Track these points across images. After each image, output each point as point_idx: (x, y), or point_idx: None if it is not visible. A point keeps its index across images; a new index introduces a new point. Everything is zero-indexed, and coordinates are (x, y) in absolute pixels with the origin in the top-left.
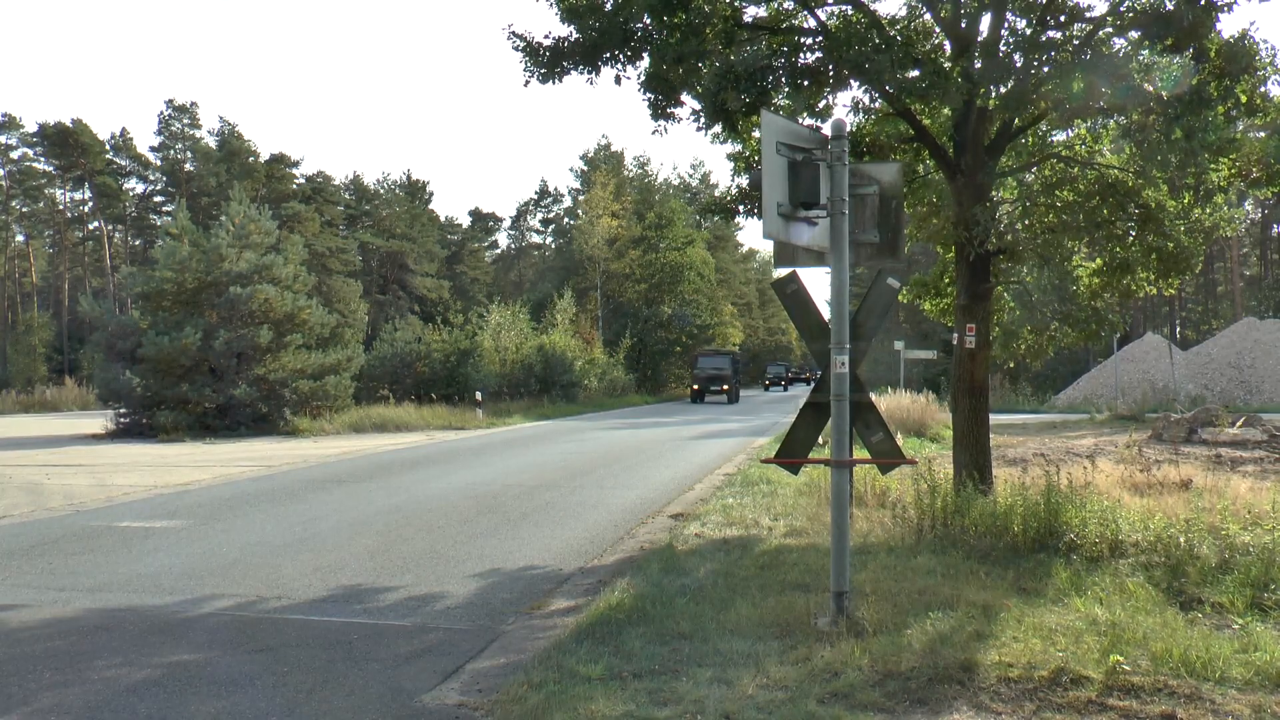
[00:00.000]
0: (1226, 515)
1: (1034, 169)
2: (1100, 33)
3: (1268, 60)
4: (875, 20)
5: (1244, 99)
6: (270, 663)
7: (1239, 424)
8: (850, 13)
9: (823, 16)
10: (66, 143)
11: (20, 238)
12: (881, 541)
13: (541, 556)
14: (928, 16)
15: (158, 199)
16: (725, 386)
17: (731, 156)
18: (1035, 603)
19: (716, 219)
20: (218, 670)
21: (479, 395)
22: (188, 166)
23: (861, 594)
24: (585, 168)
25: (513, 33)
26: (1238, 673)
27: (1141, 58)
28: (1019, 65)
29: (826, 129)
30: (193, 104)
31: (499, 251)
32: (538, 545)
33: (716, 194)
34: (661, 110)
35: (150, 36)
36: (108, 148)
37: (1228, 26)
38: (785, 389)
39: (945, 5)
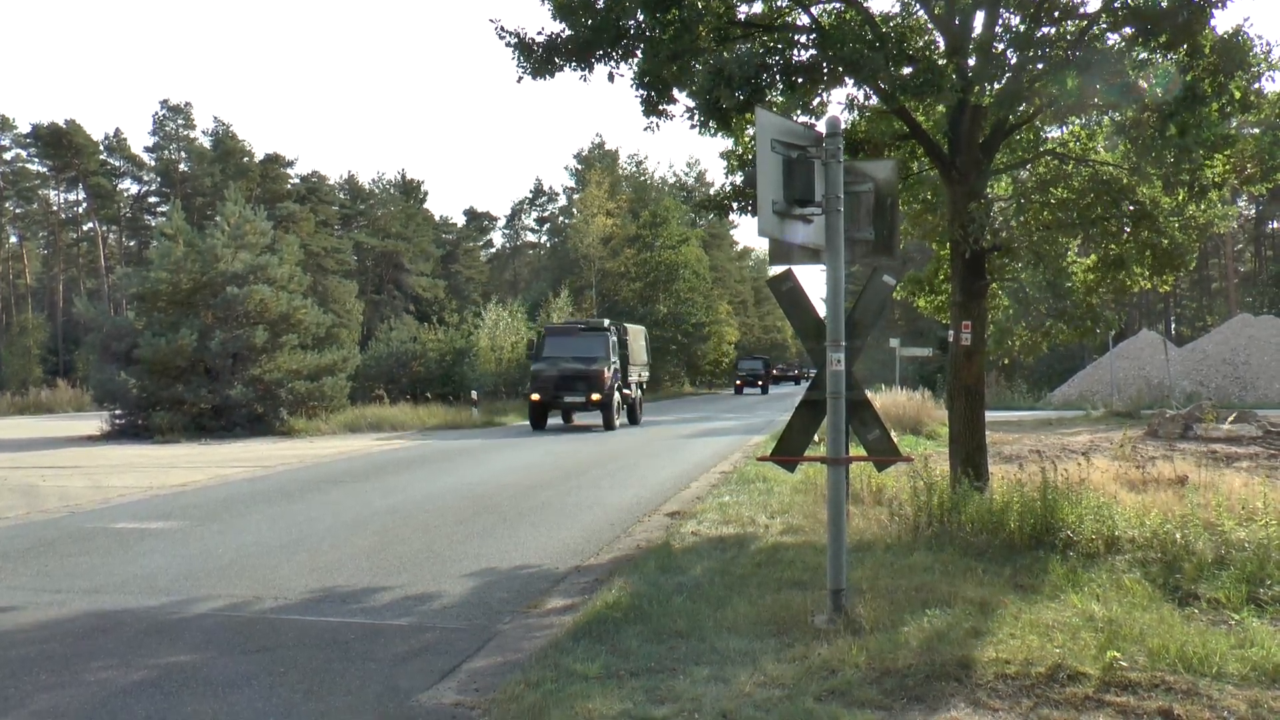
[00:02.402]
0: (1222, 511)
1: (1028, 166)
2: (1094, 29)
3: (1262, 56)
4: (869, 17)
5: (1238, 95)
6: (267, 663)
7: (1231, 419)
8: (843, 10)
9: (816, 14)
10: (60, 144)
11: (14, 239)
12: (878, 539)
13: (538, 556)
14: (921, 13)
15: (152, 200)
16: (597, 396)
17: (724, 155)
18: (1032, 599)
19: (712, 217)
20: (215, 671)
21: (475, 394)
22: (182, 167)
23: (858, 591)
24: (580, 166)
25: (503, 29)
26: (1234, 668)
27: (1134, 55)
28: (1013, 62)
29: (821, 126)
30: (187, 104)
31: (494, 250)
32: (534, 545)
33: (712, 192)
34: (654, 107)
35: (144, 37)
36: (102, 148)
37: (1221, 22)
38: (764, 391)
39: (939, 2)
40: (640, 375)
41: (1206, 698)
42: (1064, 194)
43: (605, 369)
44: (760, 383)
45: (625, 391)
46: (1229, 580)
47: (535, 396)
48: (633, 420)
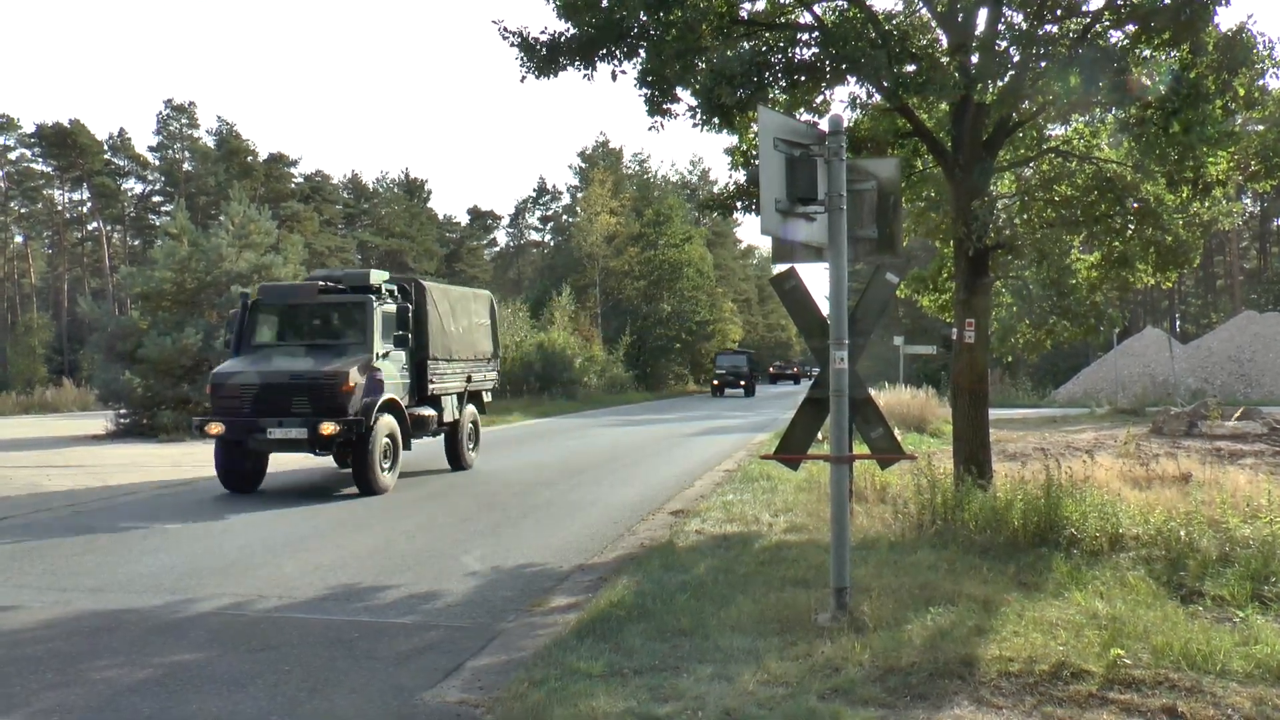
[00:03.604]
0: (1226, 508)
1: (1032, 163)
2: (1097, 26)
3: (1265, 53)
4: (871, 15)
5: (1242, 92)
6: (272, 661)
7: (1235, 416)
8: (846, 8)
9: (819, 12)
10: (65, 143)
11: (19, 239)
12: (881, 537)
13: (542, 554)
14: (924, 11)
15: (156, 199)
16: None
17: (729, 151)
18: (1035, 597)
19: (715, 215)
20: (219, 670)
21: None
22: (186, 166)
23: (862, 589)
24: (583, 165)
25: (505, 29)
26: (1239, 666)
27: (1137, 52)
28: (1015, 60)
29: (824, 124)
30: (191, 104)
31: (498, 249)
32: (538, 543)
33: (715, 190)
34: (658, 106)
35: (148, 36)
36: (106, 148)
37: (1225, 20)
38: (748, 393)
39: (942, 0)
40: (472, 380)
41: (1211, 695)
42: (1067, 191)
43: (353, 371)
44: (744, 383)
45: (421, 412)
46: (1233, 578)
47: (215, 429)
48: (455, 461)
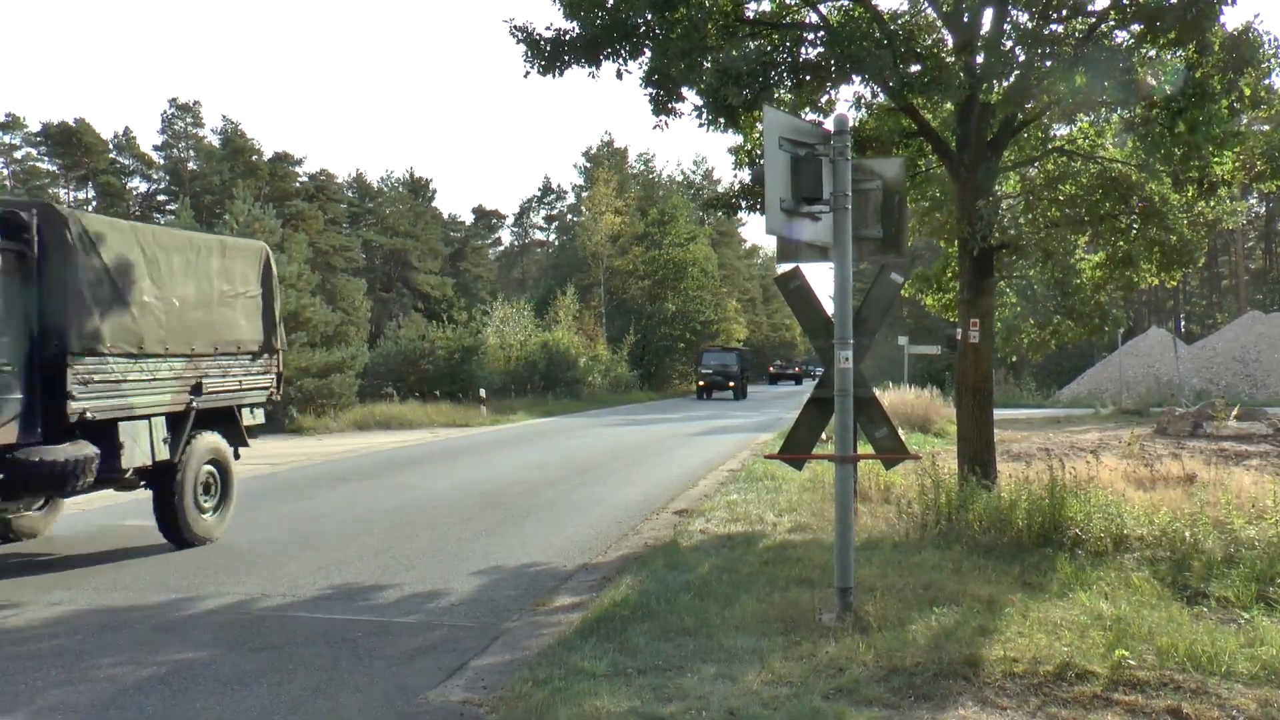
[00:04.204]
0: (1231, 509)
1: (1036, 163)
2: (1102, 26)
3: (1271, 53)
4: (877, 15)
5: (1248, 92)
6: (275, 660)
7: (1234, 415)
8: (851, 7)
9: (824, 11)
10: (70, 142)
11: None
12: (886, 537)
13: (545, 553)
14: (930, 11)
15: (161, 198)
16: None
17: (734, 150)
18: (1040, 598)
19: (720, 215)
20: (223, 668)
21: (483, 392)
22: (191, 165)
23: (866, 589)
24: (588, 164)
25: (514, 26)
26: (1244, 667)
27: (1143, 52)
28: (1021, 60)
29: (829, 124)
30: (196, 103)
31: (502, 249)
32: (541, 542)
33: (720, 189)
34: (663, 106)
35: (153, 35)
36: (111, 147)
37: (1231, 19)
38: (739, 395)
39: (947, 0)
40: (203, 389)
41: (1215, 696)
42: (1072, 191)
43: None
44: (734, 384)
45: (47, 456)
46: (1238, 579)
47: None
48: (170, 530)
